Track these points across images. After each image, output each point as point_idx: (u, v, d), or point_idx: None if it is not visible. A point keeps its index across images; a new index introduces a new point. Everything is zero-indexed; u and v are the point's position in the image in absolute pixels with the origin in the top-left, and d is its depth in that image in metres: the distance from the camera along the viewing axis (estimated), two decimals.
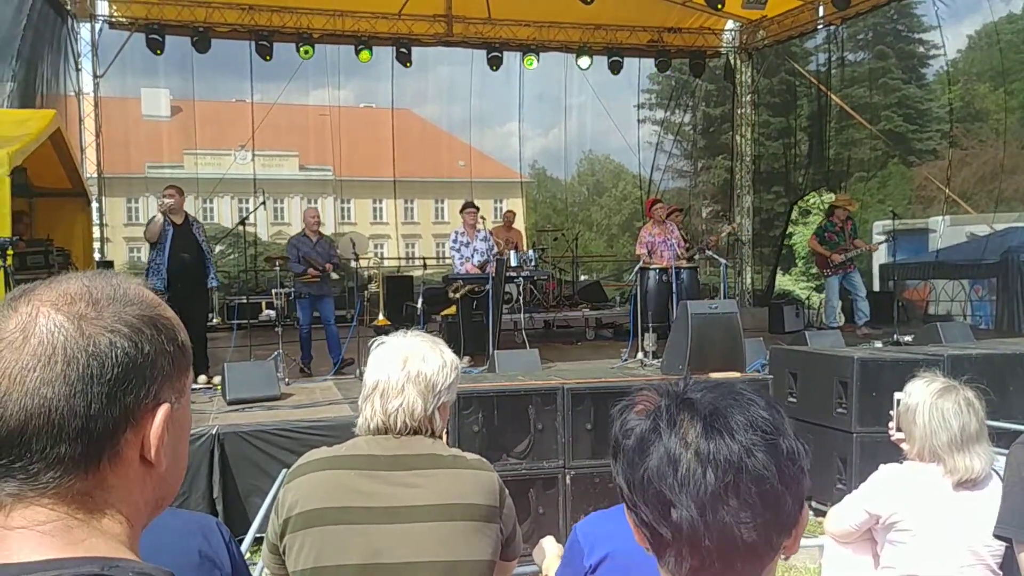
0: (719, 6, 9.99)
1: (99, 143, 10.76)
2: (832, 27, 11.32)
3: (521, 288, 8.05)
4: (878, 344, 6.65)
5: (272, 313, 8.59)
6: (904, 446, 2.15)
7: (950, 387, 2.06)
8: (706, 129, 14.85)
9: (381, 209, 26.32)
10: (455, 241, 7.21)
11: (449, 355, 1.60)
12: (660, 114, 15.33)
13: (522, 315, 7.78)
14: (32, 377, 0.60)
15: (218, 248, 12.14)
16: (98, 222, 10.52)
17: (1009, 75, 11.13)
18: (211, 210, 20.73)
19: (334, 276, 6.98)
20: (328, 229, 16.47)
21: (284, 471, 2.07)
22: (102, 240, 11.11)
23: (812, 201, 16.86)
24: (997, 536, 1.70)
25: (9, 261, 4.20)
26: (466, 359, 6.42)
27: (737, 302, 7.28)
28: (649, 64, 12.51)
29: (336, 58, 11.90)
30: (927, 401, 2.04)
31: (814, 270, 22.11)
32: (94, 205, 9.64)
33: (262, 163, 16.06)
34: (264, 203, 8.32)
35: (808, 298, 13.99)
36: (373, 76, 13.28)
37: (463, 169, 15.34)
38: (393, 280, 11.33)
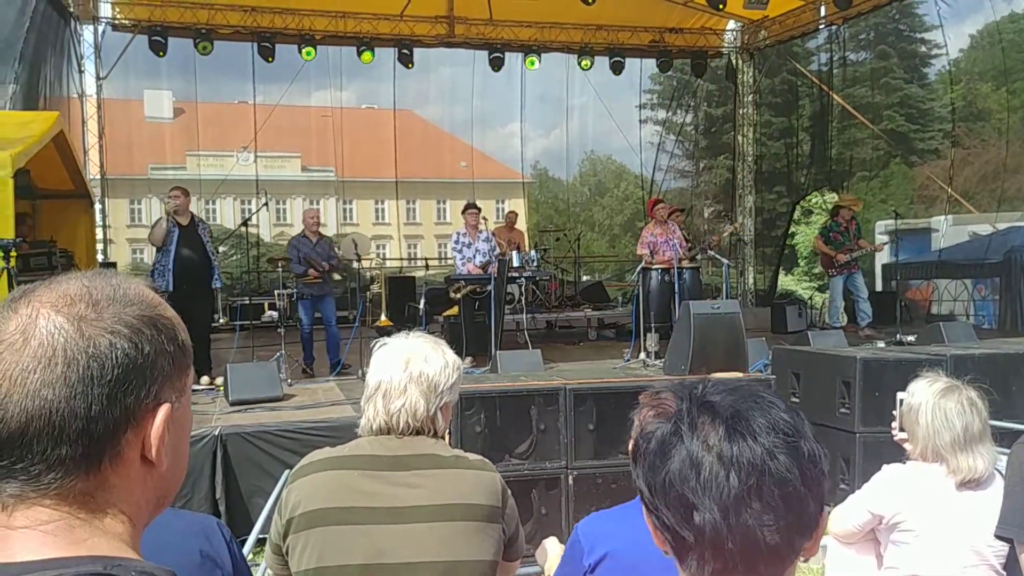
0: (720, 6, 9.99)
1: (102, 145, 10.79)
2: (834, 27, 11.31)
3: (523, 288, 8.05)
4: (881, 344, 6.64)
5: (274, 314, 8.59)
6: (907, 446, 2.15)
7: (953, 387, 2.06)
8: (708, 129, 14.84)
9: (383, 210, 26.36)
10: (457, 242, 7.21)
11: (451, 356, 1.60)
12: (662, 114, 15.32)
13: (524, 315, 7.78)
14: (32, 379, 0.60)
15: (221, 249, 12.15)
16: (101, 223, 10.54)
17: (1011, 74, 11.11)
18: (214, 211, 20.78)
19: (336, 277, 6.99)
20: (330, 230, 16.51)
21: (287, 472, 2.07)
22: (105, 241, 11.12)
23: (814, 201, 16.85)
24: (998, 536, 1.70)
25: (12, 263, 4.21)
26: (468, 360, 6.42)
27: (739, 302, 7.25)
28: (651, 64, 12.50)
29: (338, 59, 11.92)
30: (930, 401, 2.04)
31: (816, 270, 22.11)
32: (97, 207, 9.67)
33: (264, 164, 16.10)
34: (267, 204, 8.34)
35: (811, 298, 13.96)
36: (375, 77, 13.30)
37: (465, 170, 15.34)
38: (395, 281, 11.33)
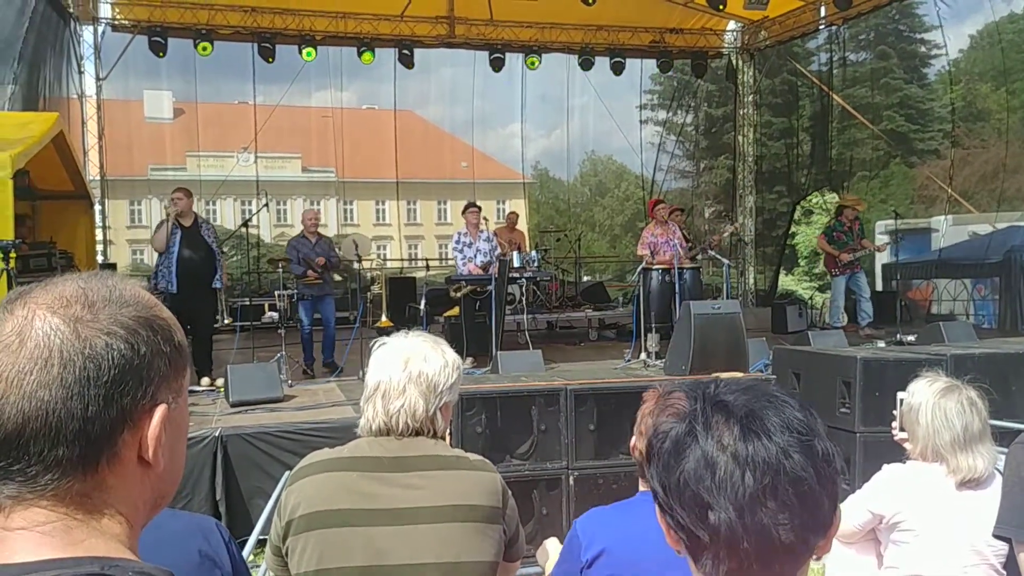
0: (721, 7, 9.99)
1: (102, 145, 10.79)
2: (834, 27, 11.31)
3: (524, 289, 8.04)
4: (881, 344, 6.64)
5: (275, 315, 8.59)
6: (907, 446, 2.15)
7: (953, 387, 2.06)
8: (708, 129, 14.84)
9: (384, 211, 26.35)
10: (458, 242, 7.21)
11: (451, 355, 1.60)
12: (662, 115, 15.32)
13: (525, 316, 7.77)
14: (29, 380, 0.60)
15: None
16: (101, 224, 10.55)
17: (1011, 75, 11.11)
18: (214, 212, 20.78)
19: (336, 277, 6.99)
20: (331, 231, 16.52)
21: (287, 473, 2.07)
22: (105, 242, 11.13)
23: (815, 201, 16.85)
24: (997, 536, 1.70)
25: (12, 264, 4.21)
26: (469, 360, 6.42)
27: (740, 302, 7.25)
28: (651, 65, 12.51)
29: (339, 60, 11.93)
30: (930, 401, 2.04)
31: (817, 270, 22.13)
32: (97, 207, 9.68)
33: (265, 165, 16.11)
34: (267, 205, 8.33)
35: (811, 298, 13.96)
36: (375, 78, 13.30)
37: (466, 170, 15.34)
38: (396, 281, 11.33)
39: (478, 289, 6.72)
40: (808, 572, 0.78)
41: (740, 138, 12.90)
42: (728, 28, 12.45)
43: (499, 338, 6.54)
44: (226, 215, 22.14)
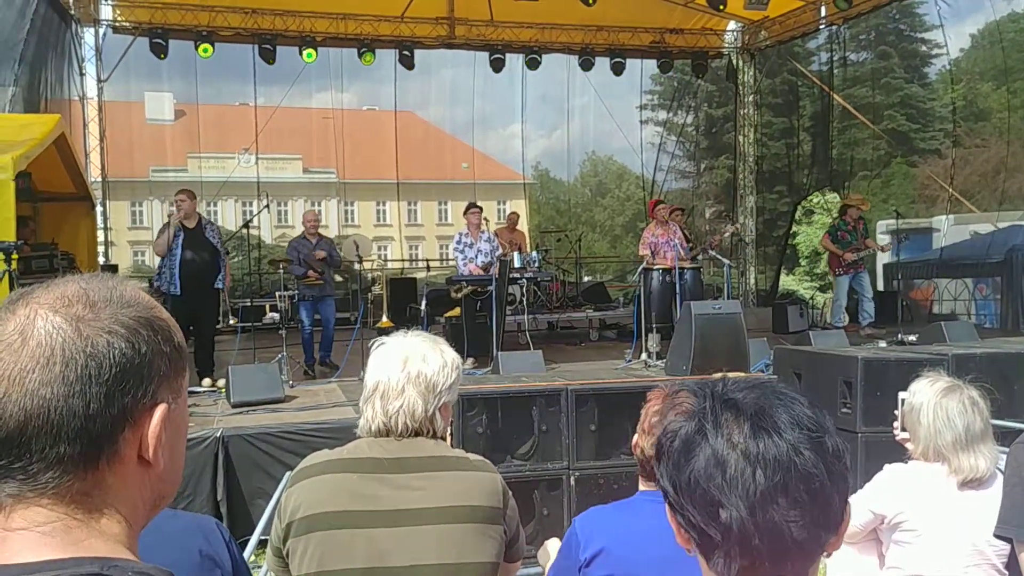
0: (721, 7, 9.99)
1: (103, 147, 10.81)
2: (834, 27, 11.31)
3: (525, 289, 8.04)
4: (882, 344, 6.63)
5: (276, 316, 8.60)
6: (909, 446, 2.15)
7: (955, 386, 2.06)
8: (708, 130, 14.84)
9: (384, 211, 26.36)
10: (459, 242, 7.21)
11: (450, 354, 1.59)
12: (662, 115, 15.33)
13: (526, 316, 7.77)
14: (31, 378, 0.61)
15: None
16: (102, 226, 10.56)
17: (1012, 74, 11.10)
18: (215, 213, 20.80)
19: (337, 279, 7.01)
20: (332, 232, 16.52)
21: (288, 473, 2.07)
22: (106, 244, 11.14)
23: (815, 201, 16.84)
24: (998, 536, 1.70)
25: (14, 265, 4.22)
26: (470, 361, 6.42)
27: (741, 302, 7.24)
28: (651, 65, 12.51)
29: (339, 61, 11.93)
30: (932, 401, 2.03)
31: (818, 270, 22.12)
32: (98, 209, 9.69)
33: (266, 166, 16.12)
34: (268, 206, 8.34)
35: (812, 298, 13.96)
36: (376, 79, 13.30)
37: (466, 171, 15.34)
38: (397, 282, 11.34)
39: (479, 289, 6.72)
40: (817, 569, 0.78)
41: (740, 138, 12.90)
42: (728, 28, 12.45)
43: (500, 339, 6.54)
44: (227, 216, 22.15)
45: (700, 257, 8.22)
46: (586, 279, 12.52)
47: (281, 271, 6.78)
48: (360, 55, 10.91)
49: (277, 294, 6.73)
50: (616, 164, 23.08)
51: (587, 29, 11.50)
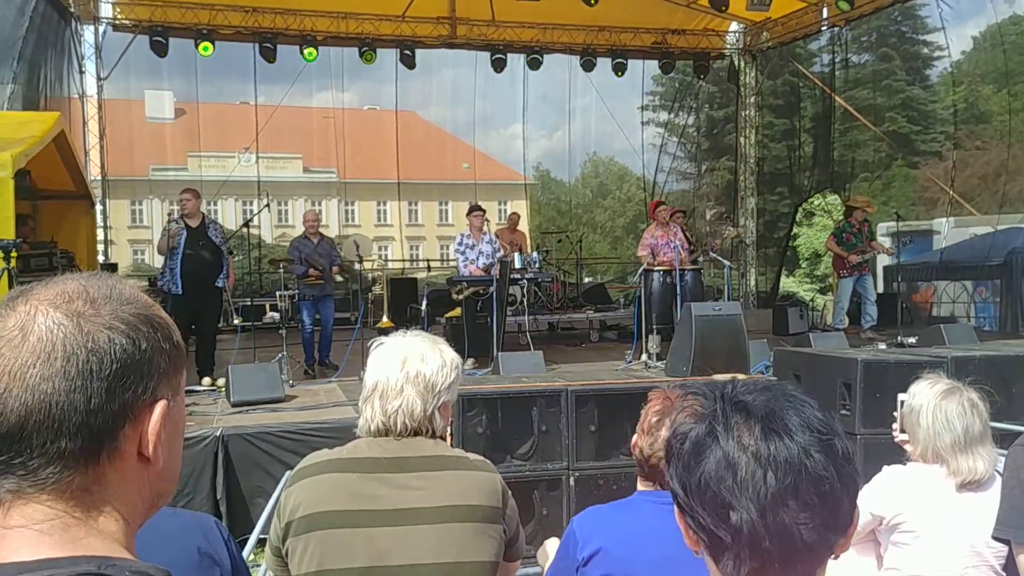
0: (723, 8, 9.99)
1: (103, 145, 10.80)
2: (836, 29, 11.31)
3: (525, 290, 8.04)
4: (882, 346, 6.63)
5: (276, 315, 8.60)
6: (908, 447, 2.15)
7: (954, 389, 2.05)
8: (710, 131, 14.84)
9: (385, 211, 26.37)
10: (460, 244, 7.22)
11: (449, 354, 1.59)
12: (664, 116, 15.35)
13: (526, 317, 7.77)
14: (32, 373, 0.61)
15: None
16: (102, 224, 10.56)
17: (1013, 76, 11.10)
18: (215, 212, 20.77)
19: (338, 278, 7.02)
20: (332, 231, 16.53)
21: (287, 473, 2.07)
22: (106, 242, 11.13)
23: (816, 203, 16.84)
24: (996, 538, 1.70)
25: (13, 263, 4.22)
26: (470, 361, 6.42)
27: (741, 304, 7.25)
28: (653, 66, 12.51)
29: (340, 60, 11.93)
30: (931, 403, 2.03)
31: (818, 272, 22.12)
32: (98, 207, 9.68)
33: (266, 165, 16.13)
34: (268, 205, 8.34)
35: (812, 300, 13.97)
36: (377, 78, 13.31)
37: (467, 171, 15.35)
38: (397, 282, 11.34)
39: (480, 290, 6.72)
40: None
41: (742, 139, 12.90)
42: (730, 29, 12.45)
43: (500, 339, 6.54)
44: (227, 215, 22.15)
45: (701, 259, 8.23)
46: (587, 280, 12.52)
47: (281, 271, 6.78)
48: (361, 54, 10.91)
49: (277, 293, 6.74)
50: (617, 165, 23.10)
51: (589, 29, 11.50)
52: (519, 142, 14.54)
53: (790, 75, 12.97)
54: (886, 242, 9.57)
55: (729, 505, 0.73)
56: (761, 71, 12.71)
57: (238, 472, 4.16)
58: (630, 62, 11.94)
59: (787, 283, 17.21)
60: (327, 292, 7.02)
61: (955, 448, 1.99)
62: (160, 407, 0.66)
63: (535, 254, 8.61)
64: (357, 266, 7.83)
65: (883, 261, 11.06)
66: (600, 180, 25.01)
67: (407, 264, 16.70)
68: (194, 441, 4.05)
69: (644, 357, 6.22)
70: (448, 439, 1.64)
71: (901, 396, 2.18)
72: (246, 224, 8.65)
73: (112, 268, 9.68)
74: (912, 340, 6.70)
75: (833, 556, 0.77)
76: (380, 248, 20.62)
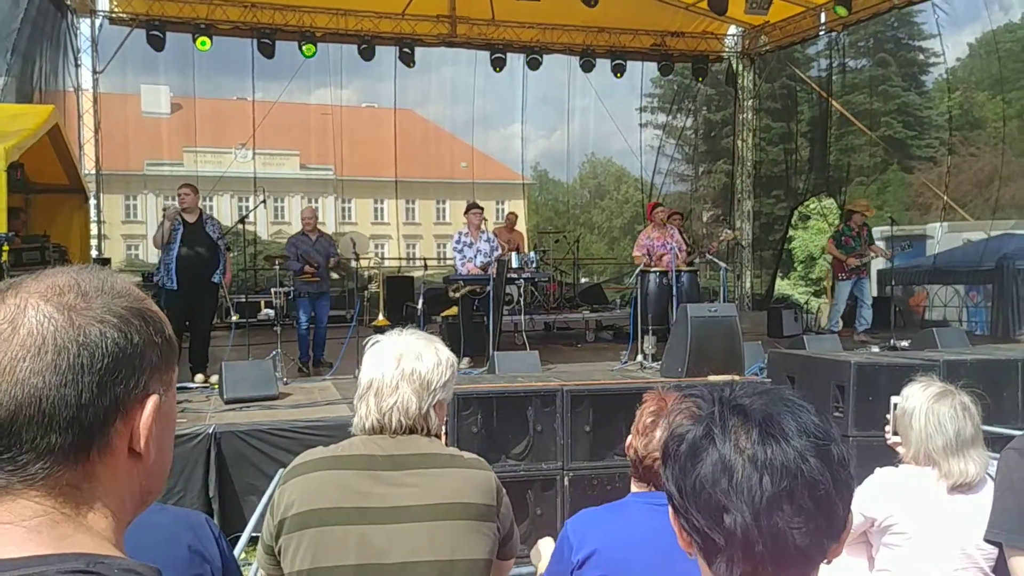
0: (722, 11, 10.00)
1: (98, 139, 10.76)
2: (833, 34, 11.35)
3: (522, 290, 8.04)
4: (875, 349, 6.65)
5: (271, 312, 8.58)
6: (900, 450, 2.16)
7: (946, 392, 2.06)
8: (707, 133, 14.87)
9: (382, 209, 26.34)
10: (458, 242, 7.22)
11: (445, 353, 1.59)
12: (662, 118, 15.35)
13: (522, 317, 7.77)
14: (22, 367, 0.60)
15: None
16: (96, 219, 10.51)
17: (1007, 83, 11.15)
18: (211, 208, 20.67)
19: (334, 276, 7.01)
20: (329, 229, 16.45)
21: (281, 471, 2.06)
22: (100, 237, 11.09)
23: (812, 206, 16.89)
24: (988, 540, 1.71)
25: (4, 257, 4.19)
26: (466, 360, 6.41)
27: (736, 306, 7.28)
28: (652, 68, 12.53)
29: (339, 57, 11.90)
30: (923, 405, 2.04)
31: (813, 275, 22.18)
32: (92, 202, 9.64)
33: (263, 162, 16.05)
34: (264, 202, 8.32)
35: (807, 302, 14.01)
36: (376, 76, 13.29)
37: (465, 170, 15.33)
38: (394, 280, 11.31)
39: (478, 289, 6.72)
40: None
41: (739, 142, 12.93)
42: (729, 32, 12.48)
43: (496, 338, 6.54)
44: (223, 211, 22.06)
45: (697, 260, 8.25)
46: (583, 280, 12.54)
47: (277, 267, 6.76)
48: (360, 51, 10.88)
49: (272, 290, 6.72)
50: (615, 166, 23.12)
51: (588, 30, 11.51)
52: (518, 142, 14.55)
53: (787, 79, 13.01)
54: (881, 246, 9.60)
55: (724, 508, 0.73)
56: (759, 75, 12.75)
57: (231, 470, 4.14)
58: (629, 64, 11.95)
59: (782, 286, 17.26)
60: (323, 289, 7.01)
61: (947, 451, 2.00)
62: (152, 402, 0.65)
63: (532, 254, 8.61)
64: (353, 264, 7.81)
65: (877, 265, 11.11)
66: (598, 181, 25.03)
67: (404, 262, 16.68)
68: (186, 438, 4.04)
69: (640, 358, 6.23)
70: (443, 438, 1.63)
71: (894, 399, 2.19)
72: (242, 220, 8.61)
73: (105, 263, 9.63)
74: (905, 343, 6.73)
75: (826, 561, 0.77)
76: (377, 246, 20.59)
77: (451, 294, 6.96)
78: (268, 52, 10.51)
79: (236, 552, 2.32)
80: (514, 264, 7.67)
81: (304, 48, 10.49)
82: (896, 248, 8.65)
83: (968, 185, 12.45)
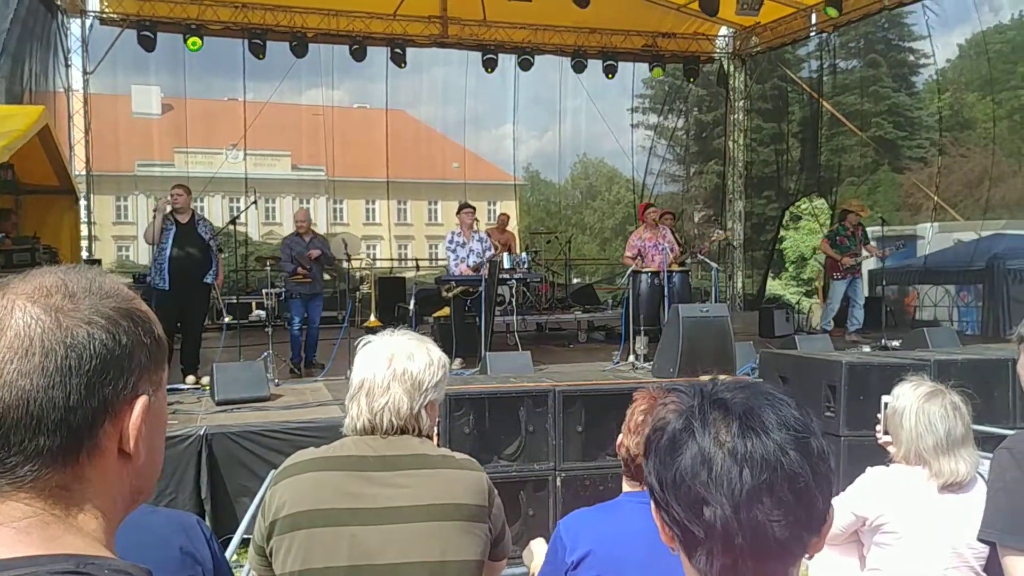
0: (713, 12, 10.04)
1: (88, 140, 10.68)
2: (824, 35, 11.41)
3: (514, 290, 8.04)
4: (866, 348, 6.69)
5: (262, 313, 8.54)
6: (891, 449, 2.17)
7: (937, 391, 2.08)
8: (699, 134, 14.95)
9: (374, 210, 26.27)
10: (451, 242, 7.21)
11: (436, 353, 1.59)
12: (653, 119, 15.42)
13: (515, 317, 7.77)
14: (9, 369, 0.60)
15: None
16: (86, 220, 10.44)
17: (997, 84, 11.26)
18: (202, 209, 20.57)
19: (326, 277, 6.99)
20: (320, 229, 16.39)
21: (272, 472, 2.05)
22: (90, 238, 11.01)
23: (803, 206, 17.00)
24: (981, 540, 1.72)
25: None
26: (458, 361, 6.41)
27: (728, 306, 7.29)
28: (643, 68, 12.56)
29: (330, 58, 11.87)
30: (914, 405, 2.05)
31: (804, 275, 22.29)
32: (82, 203, 9.57)
33: (254, 162, 16.02)
34: (255, 203, 8.29)
35: (798, 302, 14.08)
36: (367, 77, 13.27)
37: (457, 171, 15.34)
38: (385, 281, 11.30)
39: (470, 289, 6.71)
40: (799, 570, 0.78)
41: (730, 143, 12.98)
42: (720, 33, 12.52)
43: (488, 339, 6.53)
44: (214, 212, 21.98)
45: (688, 261, 8.27)
46: (575, 281, 12.55)
47: (268, 268, 6.73)
48: (352, 52, 10.86)
49: (264, 291, 6.69)
50: (607, 167, 23.19)
51: (580, 31, 11.53)
52: (509, 142, 14.56)
53: (778, 80, 13.07)
54: (875, 246, 9.66)
55: (703, 500, 0.73)
56: (750, 75, 12.80)
57: (222, 471, 4.12)
58: (620, 64, 11.98)
59: (773, 286, 17.34)
60: (316, 291, 7.00)
61: (937, 450, 2.01)
62: (141, 403, 0.65)
63: (524, 254, 8.62)
64: (345, 265, 7.79)
65: (868, 265, 11.18)
66: (589, 181, 25.08)
67: (395, 263, 16.66)
68: (178, 440, 4.01)
69: (631, 358, 6.24)
70: (435, 439, 1.63)
71: (884, 398, 2.20)
72: (233, 221, 8.59)
73: (96, 264, 9.57)
74: (896, 343, 6.77)
75: (807, 556, 0.77)
76: (368, 247, 20.53)
77: (445, 294, 6.95)
78: (259, 52, 10.47)
79: (228, 554, 2.30)
80: (506, 265, 7.67)
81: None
82: (891, 248, 8.70)
83: (958, 185, 12.56)
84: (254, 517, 1.82)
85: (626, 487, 1.73)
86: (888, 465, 2.17)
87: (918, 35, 14.62)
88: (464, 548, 1.50)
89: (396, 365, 1.53)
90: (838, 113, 12.03)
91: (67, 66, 9.87)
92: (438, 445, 1.64)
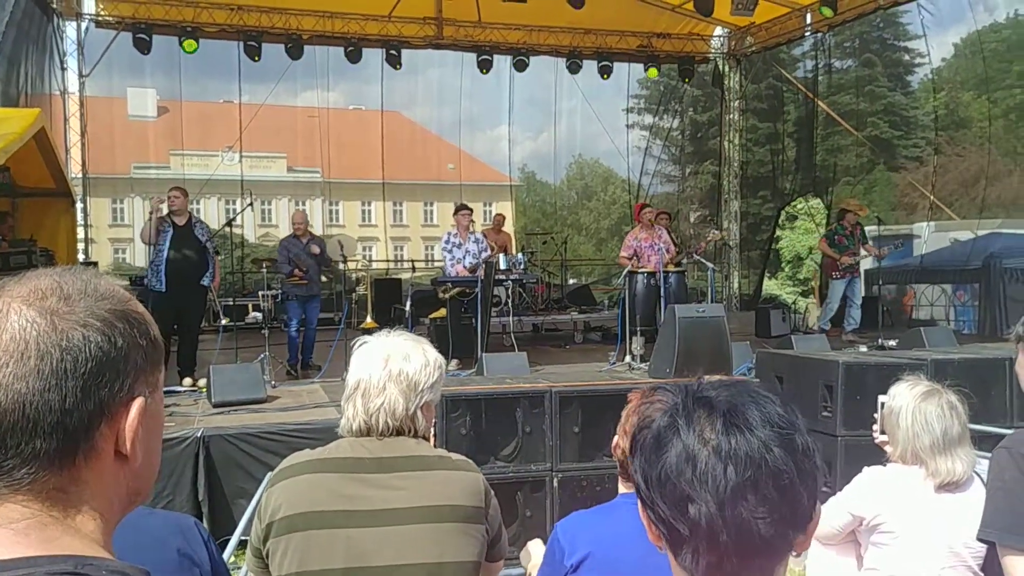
0: (708, 12, 10.06)
1: (84, 143, 10.66)
2: (819, 34, 11.44)
3: (510, 291, 8.04)
4: (863, 348, 6.71)
5: (259, 315, 8.53)
6: (887, 449, 2.17)
7: (933, 391, 2.08)
8: (694, 134, 14.96)
9: (370, 211, 26.27)
10: (447, 242, 7.21)
11: (432, 354, 1.59)
12: (649, 119, 15.42)
13: (511, 318, 7.77)
14: (5, 373, 0.60)
15: None
16: (83, 223, 10.42)
17: (992, 83, 11.29)
18: (198, 211, 20.55)
19: (323, 279, 6.99)
20: (316, 231, 16.39)
21: (269, 474, 2.05)
22: (86, 241, 11.00)
23: (799, 206, 17.02)
24: (981, 539, 1.72)
25: None
26: (454, 362, 6.40)
27: (724, 306, 7.32)
28: (638, 69, 12.58)
29: (325, 60, 11.87)
30: (911, 404, 2.06)
31: (800, 275, 22.33)
32: (78, 206, 9.55)
33: (250, 164, 15.98)
34: (251, 205, 8.26)
35: (794, 302, 14.11)
36: (362, 78, 13.25)
37: (452, 172, 15.32)
38: (381, 283, 11.29)
39: (466, 290, 6.71)
40: (787, 571, 0.78)
41: (726, 143, 13.00)
42: (715, 34, 12.55)
43: (484, 340, 6.53)
44: (210, 214, 21.93)
45: (684, 261, 8.28)
46: (571, 282, 12.56)
47: (264, 270, 6.73)
48: (347, 54, 10.85)
49: (260, 293, 6.68)
50: (602, 167, 23.19)
51: (575, 32, 11.54)
52: (505, 143, 14.56)
53: (774, 80, 13.10)
54: (872, 245, 9.68)
55: (688, 498, 0.73)
56: (745, 75, 12.83)
57: (220, 473, 4.12)
58: (615, 65, 11.99)
59: (770, 286, 17.37)
60: (314, 292, 7.00)
61: (934, 449, 2.02)
62: (137, 405, 0.65)
63: (520, 255, 8.61)
64: (341, 266, 7.79)
65: (864, 265, 11.21)
66: (585, 182, 25.09)
67: (391, 264, 16.65)
68: (175, 442, 4.01)
69: (628, 359, 6.24)
70: (431, 440, 1.63)
71: (881, 398, 2.20)
72: (229, 223, 8.57)
73: (92, 267, 9.55)
74: (892, 343, 6.78)
75: (794, 553, 0.77)
76: (364, 248, 20.53)
77: (441, 295, 6.95)
78: (254, 55, 10.46)
79: (225, 555, 2.30)
80: (502, 266, 7.66)
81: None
82: (889, 247, 8.71)
83: (954, 185, 12.60)
84: (251, 519, 1.82)
85: (622, 488, 1.73)
86: (885, 465, 2.17)
87: (913, 34, 14.64)
88: (461, 549, 1.50)
89: (392, 366, 1.53)
90: (833, 113, 12.07)
91: (63, 69, 9.85)
92: (434, 446, 1.64)
